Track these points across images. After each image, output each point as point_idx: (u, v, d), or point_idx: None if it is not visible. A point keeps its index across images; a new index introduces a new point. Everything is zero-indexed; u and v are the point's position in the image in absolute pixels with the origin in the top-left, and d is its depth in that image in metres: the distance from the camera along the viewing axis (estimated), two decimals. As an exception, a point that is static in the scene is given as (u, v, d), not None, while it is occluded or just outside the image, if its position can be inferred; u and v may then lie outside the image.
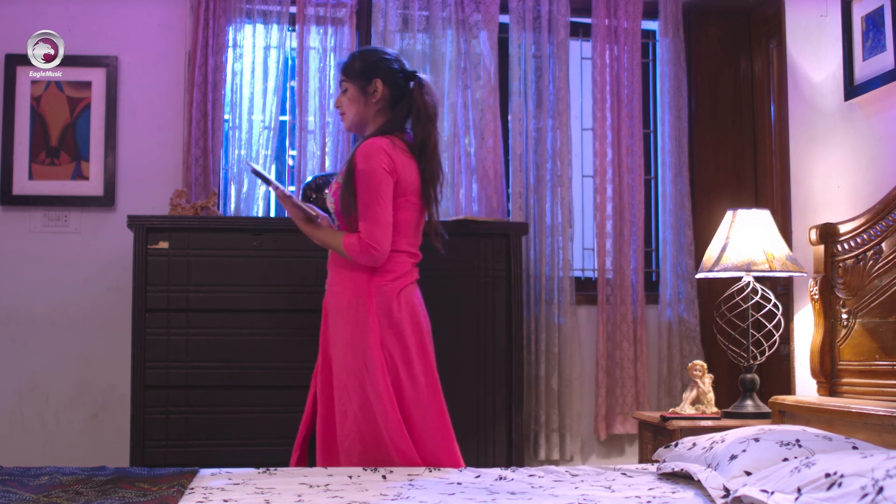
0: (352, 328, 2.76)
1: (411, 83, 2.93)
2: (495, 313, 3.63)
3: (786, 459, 2.20)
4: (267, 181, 2.88)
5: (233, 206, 3.95)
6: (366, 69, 2.90)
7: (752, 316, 3.48)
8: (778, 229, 3.49)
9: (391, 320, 2.77)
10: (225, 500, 2.13)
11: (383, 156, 2.76)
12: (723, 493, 2.13)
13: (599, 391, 4.09)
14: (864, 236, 2.99)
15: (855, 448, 2.25)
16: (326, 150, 4.01)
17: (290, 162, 4.16)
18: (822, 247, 3.17)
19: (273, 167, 4.03)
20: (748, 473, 2.19)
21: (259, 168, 2.85)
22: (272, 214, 4.08)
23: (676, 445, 2.67)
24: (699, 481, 2.31)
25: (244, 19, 4.03)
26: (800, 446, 2.27)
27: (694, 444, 2.57)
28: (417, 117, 2.89)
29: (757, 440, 2.33)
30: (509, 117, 4.15)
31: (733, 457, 2.28)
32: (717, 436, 2.53)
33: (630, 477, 2.54)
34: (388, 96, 2.91)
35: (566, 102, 4.17)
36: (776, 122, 4.09)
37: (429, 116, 2.90)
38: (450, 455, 2.80)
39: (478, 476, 2.53)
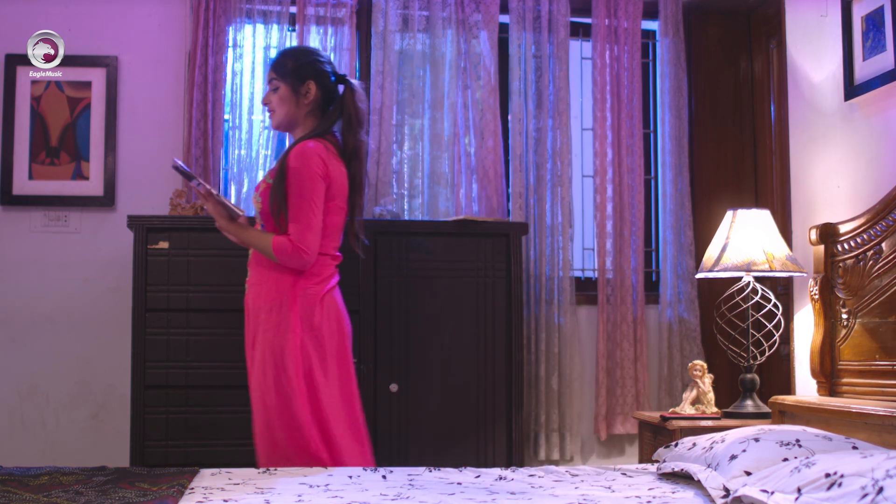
0: (274, 329, 2.77)
1: (341, 87, 2.94)
2: (495, 313, 3.63)
3: (786, 459, 2.20)
4: (189, 177, 2.83)
5: (233, 206, 3.94)
6: (299, 69, 2.91)
7: (752, 316, 3.48)
8: (778, 229, 3.49)
9: (312, 324, 2.78)
10: (225, 500, 2.13)
11: (317, 160, 2.77)
12: (723, 493, 2.13)
13: (599, 391, 4.09)
14: (864, 236, 2.99)
15: (855, 448, 2.25)
16: (326, 150, 4.01)
17: (290, 162, 4.15)
18: (822, 247, 3.17)
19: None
20: (748, 473, 2.19)
21: (181, 164, 2.82)
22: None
23: (676, 445, 2.67)
24: (699, 481, 2.31)
25: (244, 19, 4.03)
26: (800, 446, 2.27)
27: (694, 444, 2.57)
28: (349, 123, 2.90)
29: (757, 440, 2.33)
30: (509, 117, 4.15)
31: (733, 457, 2.28)
32: (717, 436, 2.53)
33: (630, 477, 2.54)
34: (319, 98, 2.92)
35: (566, 102, 4.17)
36: (776, 122, 4.09)
37: (360, 123, 2.93)
38: (361, 460, 2.82)
39: (478, 476, 2.53)
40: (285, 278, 2.79)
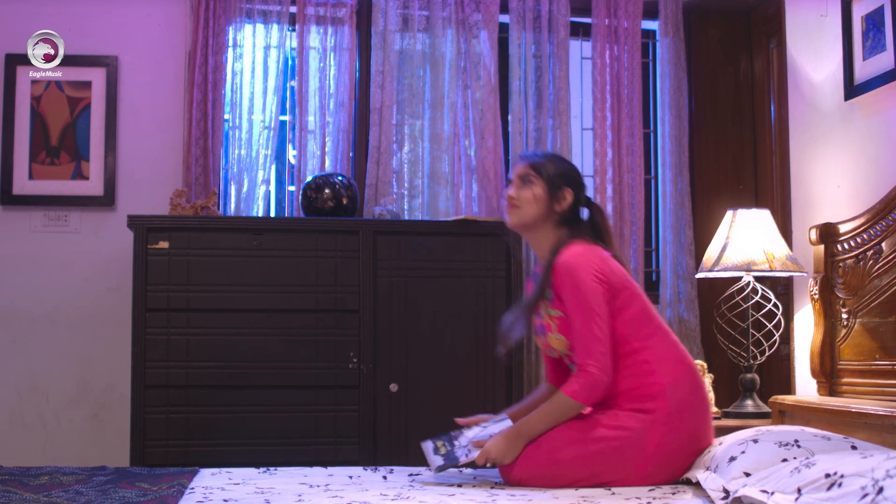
0: None
1: None
2: (495, 313, 3.62)
3: (785, 460, 2.20)
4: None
5: (233, 205, 3.94)
6: None
7: (752, 316, 3.48)
8: (778, 229, 3.49)
9: None
10: (225, 500, 2.13)
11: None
12: (722, 494, 2.13)
13: (599, 391, 4.08)
14: (864, 236, 2.99)
15: (854, 448, 2.25)
16: (326, 149, 4.01)
17: (290, 162, 4.15)
18: (822, 247, 3.17)
19: (273, 167, 4.03)
20: (747, 475, 2.19)
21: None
22: (272, 214, 4.08)
23: (676, 445, 2.67)
24: (698, 483, 2.31)
25: (244, 19, 4.03)
26: (799, 447, 2.27)
27: (694, 445, 2.57)
28: None
29: (756, 441, 2.33)
30: (509, 117, 4.15)
31: (732, 458, 2.28)
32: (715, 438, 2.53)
33: (630, 477, 2.53)
34: None
35: (566, 102, 4.16)
36: (776, 122, 4.09)
37: None
38: None
39: (478, 476, 2.53)
40: None
